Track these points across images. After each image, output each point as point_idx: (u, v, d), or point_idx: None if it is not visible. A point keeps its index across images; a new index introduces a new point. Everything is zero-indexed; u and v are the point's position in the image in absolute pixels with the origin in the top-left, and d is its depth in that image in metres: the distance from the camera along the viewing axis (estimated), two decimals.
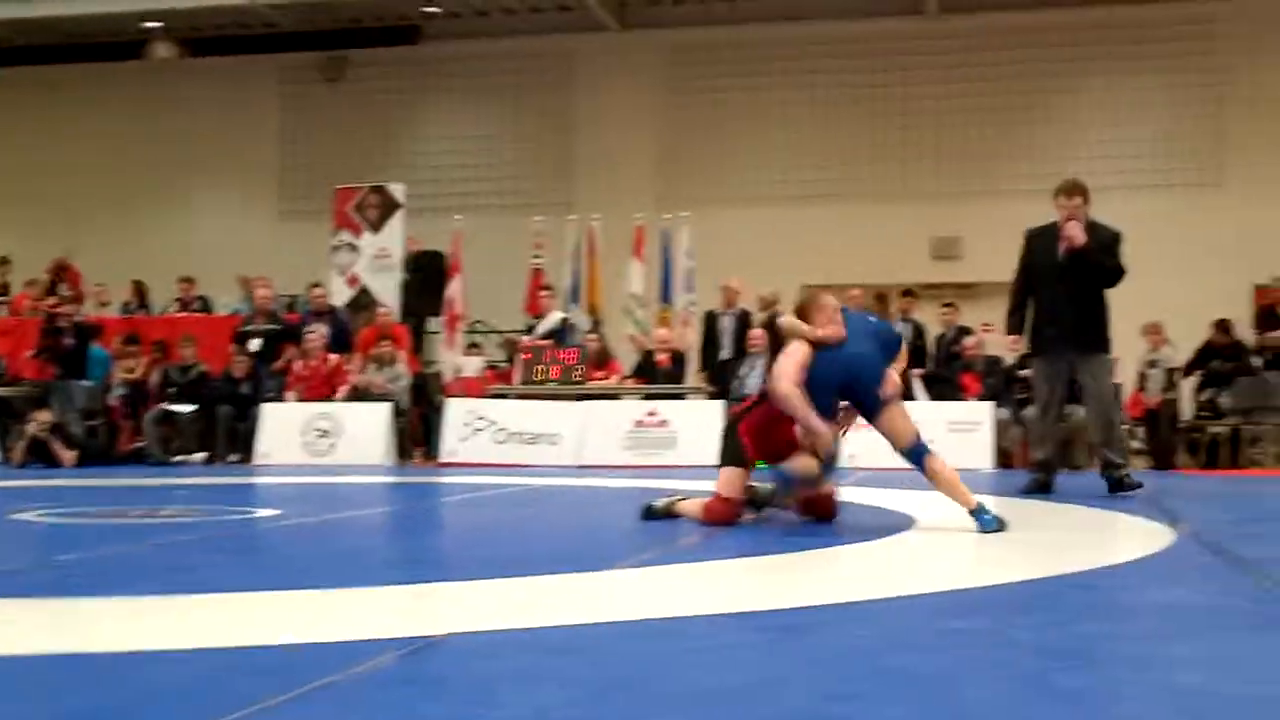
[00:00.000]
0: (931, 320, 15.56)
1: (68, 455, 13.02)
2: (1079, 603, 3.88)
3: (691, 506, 6.28)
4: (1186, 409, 14.73)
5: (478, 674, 2.78)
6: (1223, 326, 14.57)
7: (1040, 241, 8.70)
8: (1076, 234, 8.35)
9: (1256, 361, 14.58)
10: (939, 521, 6.13)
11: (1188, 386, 14.82)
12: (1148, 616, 3.69)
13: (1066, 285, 8.49)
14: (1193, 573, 4.67)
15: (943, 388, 13.87)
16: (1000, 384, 13.46)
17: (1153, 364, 14.04)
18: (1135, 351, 13.93)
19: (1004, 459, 12.96)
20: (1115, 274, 8.57)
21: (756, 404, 6.36)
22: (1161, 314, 14.64)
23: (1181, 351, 14.62)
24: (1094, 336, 8.63)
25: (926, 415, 13.08)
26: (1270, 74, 18.24)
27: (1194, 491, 9.17)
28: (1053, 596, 3.99)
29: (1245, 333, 14.95)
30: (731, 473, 6.18)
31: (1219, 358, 14.47)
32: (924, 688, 2.61)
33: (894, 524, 6.22)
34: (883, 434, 6.05)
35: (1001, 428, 13.02)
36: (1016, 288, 8.86)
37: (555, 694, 2.55)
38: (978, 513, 5.73)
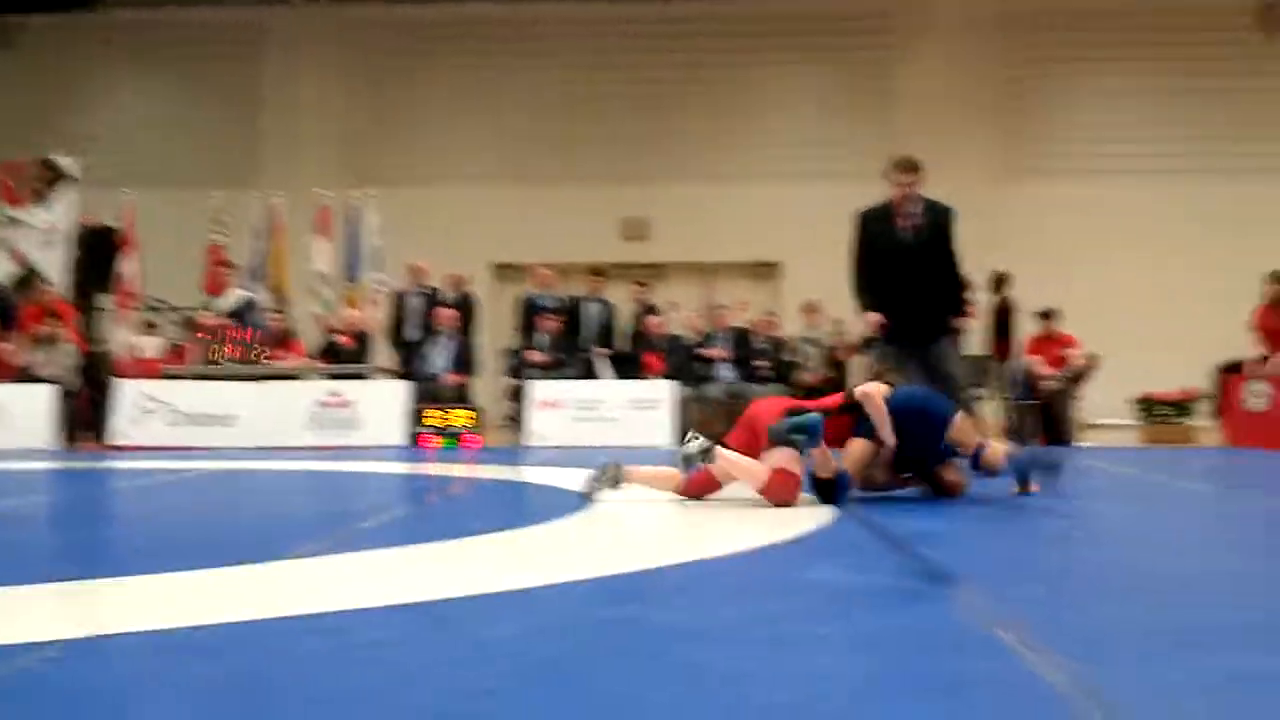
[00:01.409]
0: (624, 300, 15.81)
1: None
2: (731, 585, 3.98)
3: (658, 479, 6.42)
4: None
5: (116, 680, 2.68)
6: None
7: (878, 224, 8.41)
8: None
9: None
10: (614, 502, 6.23)
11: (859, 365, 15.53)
12: (796, 596, 3.82)
13: (912, 269, 8.24)
14: (847, 550, 4.87)
15: (628, 366, 14.11)
16: (682, 362, 13.78)
17: (811, 342, 14.62)
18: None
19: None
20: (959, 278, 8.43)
21: (839, 411, 6.42)
22: (829, 293, 15.30)
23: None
24: (942, 319, 8.44)
25: (610, 393, 13.38)
26: (933, 67, 19.21)
27: None
28: (707, 579, 4.08)
29: None
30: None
31: None
32: (561, 680, 2.64)
33: (570, 505, 6.28)
34: None
35: (682, 405, 13.34)
36: (860, 269, 8.50)
37: (187, 701, 2.48)
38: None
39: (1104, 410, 16.14)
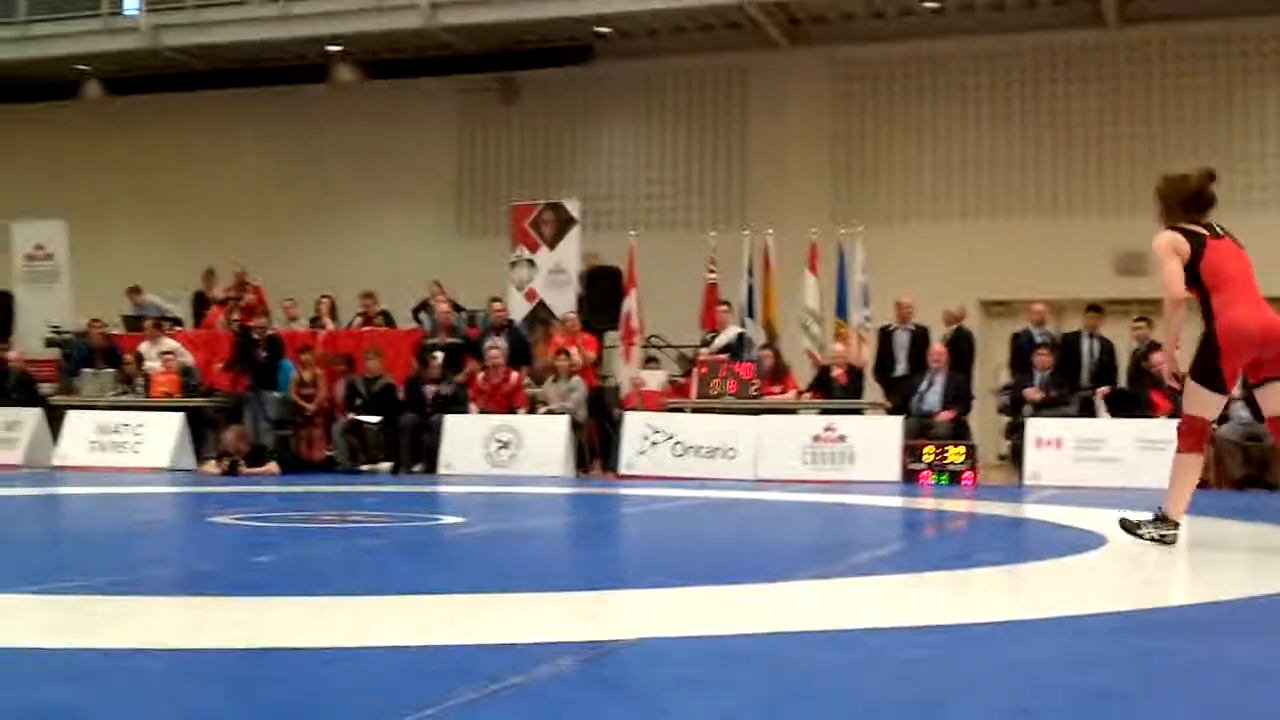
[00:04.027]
0: (1118, 337, 15.11)
1: (270, 467, 13.53)
2: (1273, 624, 3.75)
3: None
4: None
5: (656, 679, 2.81)
6: None
7: None
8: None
9: None
10: (1131, 541, 5.94)
11: None
12: None
13: None
14: None
15: (1131, 405, 13.49)
16: None
17: None
18: None
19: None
20: None
21: None
22: None
23: None
24: None
25: (1114, 432, 12.83)
26: None
27: None
28: (1246, 617, 3.86)
29: None
30: None
31: None
32: (1107, 707, 2.54)
33: (1084, 543, 6.05)
34: None
35: None
36: None
37: (732, 701, 2.55)
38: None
39: None
